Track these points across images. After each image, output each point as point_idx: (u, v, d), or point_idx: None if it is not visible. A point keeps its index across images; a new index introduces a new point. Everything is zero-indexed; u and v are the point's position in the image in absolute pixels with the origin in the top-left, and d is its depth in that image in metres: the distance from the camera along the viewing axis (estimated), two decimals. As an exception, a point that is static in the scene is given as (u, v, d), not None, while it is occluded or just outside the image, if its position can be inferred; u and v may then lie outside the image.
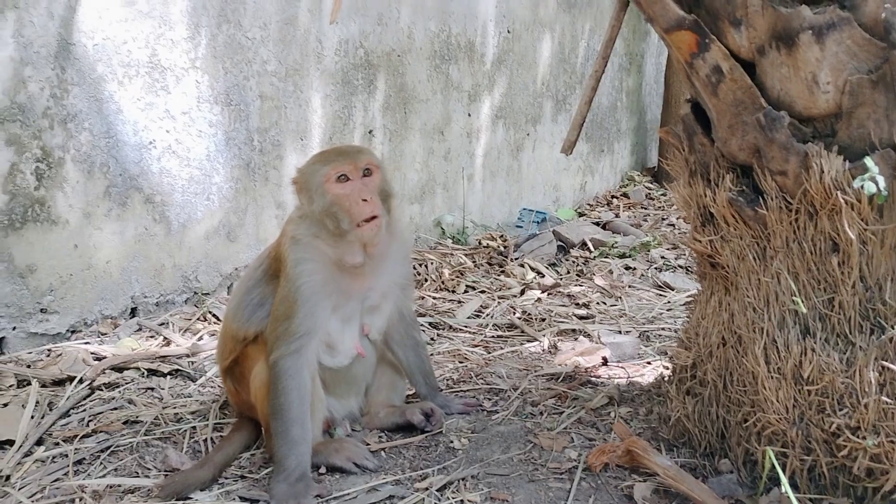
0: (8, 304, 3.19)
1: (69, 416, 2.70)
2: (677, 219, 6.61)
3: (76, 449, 2.44)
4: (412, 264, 4.35)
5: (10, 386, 2.88)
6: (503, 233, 5.94)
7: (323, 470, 2.30)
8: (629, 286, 4.57)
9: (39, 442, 2.50)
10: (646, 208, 7.42)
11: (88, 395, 2.85)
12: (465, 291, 4.43)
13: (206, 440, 2.54)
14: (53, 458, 2.41)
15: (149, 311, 3.73)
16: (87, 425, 2.63)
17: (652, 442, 2.35)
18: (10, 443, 2.46)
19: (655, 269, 4.96)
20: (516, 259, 5.06)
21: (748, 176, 2.14)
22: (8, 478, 2.28)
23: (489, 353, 3.44)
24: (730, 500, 2.08)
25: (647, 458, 2.16)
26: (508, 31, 6.14)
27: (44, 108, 3.23)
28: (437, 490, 2.17)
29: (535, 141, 6.69)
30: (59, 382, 2.93)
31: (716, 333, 2.28)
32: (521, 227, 6.23)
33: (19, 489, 2.21)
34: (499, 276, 4.74)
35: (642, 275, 4.84)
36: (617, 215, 6.94)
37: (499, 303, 4.18)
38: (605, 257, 5.24)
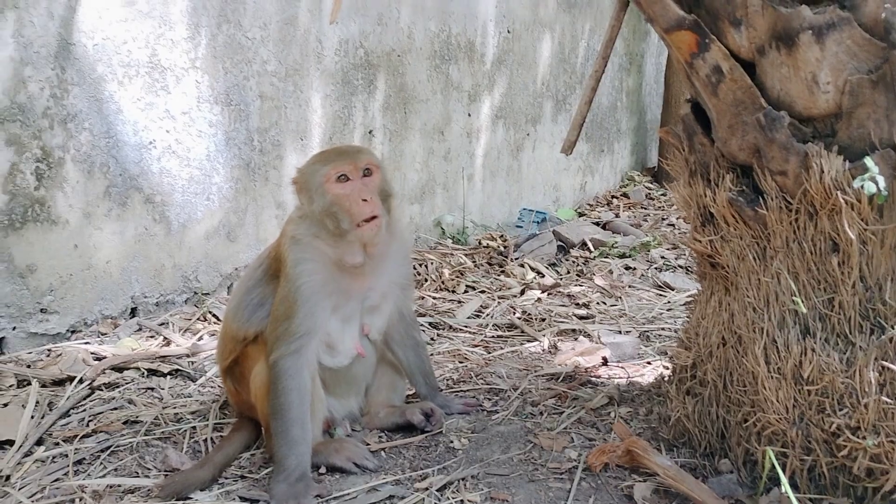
0: (8, 304, 3.19)
1: (69, 416, 2.70)
2: (677, 219, 6.61)
3: (76, 449, 2.43)
4: (412, 264, 4.34)
5: (10, 386, 2.88)
6: (503, 233, 5.94)
7: (323, 470, 2.30)
8: (629, 286, 4.57)
9: (39, 442, 2.50)
10: (646, 208, 7.43)
11: (88, 395, 2.85)
12: (465, 291, 4.43)
13: (206, 440, 2.53)
14: (53, 458, 2.41)
15: (149, 311, 3.73)
16: (87, 425, 2.63)
17: (652, 442, 2.35)
18: (10, 443, 2.46)
19: (655, 269, 4.96)
20: (516, 259, 5.06)
21: (748, 176, 2.14)
22: (8, 478, 2.28)
23: (489, 353, 3.44)
24: (730, 500, 2.08)
25: (647, 458, 2.16)
26: (508, 31, 6.14)
27: (44, 108, 3.23)
28: (437, 490, 2.17)
29: (535, 141, 6.69)
30: (59, 382, 2.93)
31: (716, 333, 2.28)
32: (521, 227, 6.23)
33: (19, 489, 2.21)
34: (499, 276, 4.74)
35: (642, 275, 4.84)
36: (617, 215, 6.94)
37: (499, 303, 4.18)
38: (605, 257, 5.24)
